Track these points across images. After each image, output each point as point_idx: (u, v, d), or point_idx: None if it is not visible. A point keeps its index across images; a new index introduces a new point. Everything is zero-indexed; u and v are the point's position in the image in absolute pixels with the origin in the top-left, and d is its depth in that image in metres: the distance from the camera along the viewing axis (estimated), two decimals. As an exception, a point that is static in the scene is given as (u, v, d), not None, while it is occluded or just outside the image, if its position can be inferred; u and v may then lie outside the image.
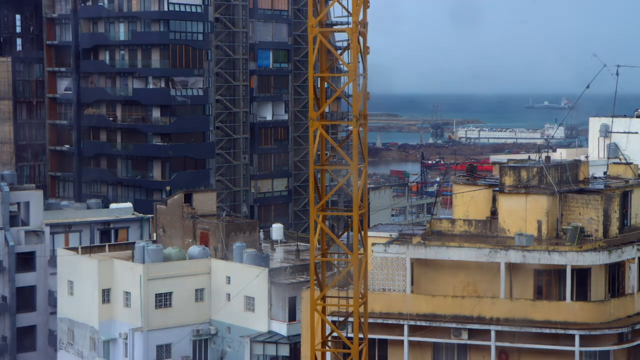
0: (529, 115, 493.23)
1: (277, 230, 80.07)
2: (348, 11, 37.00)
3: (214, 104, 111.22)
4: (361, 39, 37.33)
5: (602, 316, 49.03)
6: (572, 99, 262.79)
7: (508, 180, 52.68)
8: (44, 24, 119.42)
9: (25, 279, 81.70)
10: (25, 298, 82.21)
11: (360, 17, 37.09)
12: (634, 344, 49.77)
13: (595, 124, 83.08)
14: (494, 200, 54.35)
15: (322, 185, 38.60)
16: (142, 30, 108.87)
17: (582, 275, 50.00)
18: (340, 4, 37.36)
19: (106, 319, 71.68)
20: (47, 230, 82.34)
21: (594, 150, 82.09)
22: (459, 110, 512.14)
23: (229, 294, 69.93)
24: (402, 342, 51.06)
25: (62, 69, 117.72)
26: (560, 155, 72.57)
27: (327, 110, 39.07)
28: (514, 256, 49.66)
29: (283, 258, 73.20)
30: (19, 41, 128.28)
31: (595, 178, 57.50)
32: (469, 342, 50.34)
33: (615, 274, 51.13)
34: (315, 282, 38.90)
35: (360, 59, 37.31)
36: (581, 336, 48.54)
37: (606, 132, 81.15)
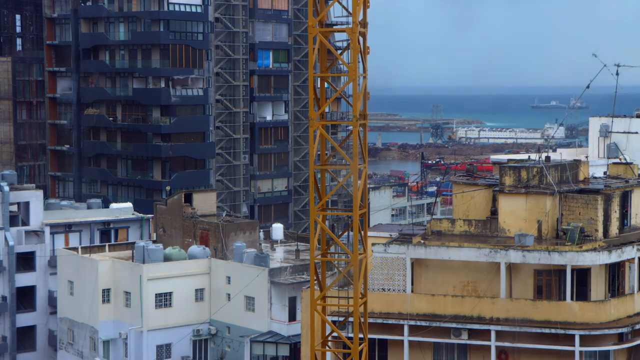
0: (535, 116, 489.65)
1: (277, 230, 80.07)
2: (348, 11, 37.02)
3: (214, 104, 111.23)
4: (361, 39, 37.33)
5: (602, 316, 49.03)
6: (580, 98, 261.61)
7: (508, 180, 52.68)
8: (44, 24, 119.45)
9: (25, 279, 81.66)
10: (25, 298, 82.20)
11: (360, 17, 37.10)
12: (634, 344, 49.77)
13: (595, 124, 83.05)
14: (494, 200, 54.35)
15: (322, 185, 38.61)
16: (142, 30, 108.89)
17: (582, 275, 50.00)
18: (340, 4, 37.38)
19: (106, 319, 71.68)
20: (47, 230, 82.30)
21: (594, 150, 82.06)
22: (460, 110, 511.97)
23: (229, 294, 69.93)
24: (402, 342, 51.06)
25: (62, 69, 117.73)
26: (560, 155, 72.54)
27: (327, 110, 39.09)
28: (514, 256, 49.66)
29: (283, 258, 73.21)
30: (19, 41, 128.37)
31: (595, 178, 57.50)
32: (469, 342, 50.34)
33: (615, 274, 51.11)
34: (315, 282, 38.91)
35: (360, 59, 37.32)
36: (581, 336, 48.53)
37: (606, 132, 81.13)
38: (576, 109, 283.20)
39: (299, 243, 77.51)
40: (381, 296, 51.14)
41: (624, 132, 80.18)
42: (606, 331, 48.67)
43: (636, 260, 51.06)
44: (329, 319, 39.35)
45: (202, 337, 71.15)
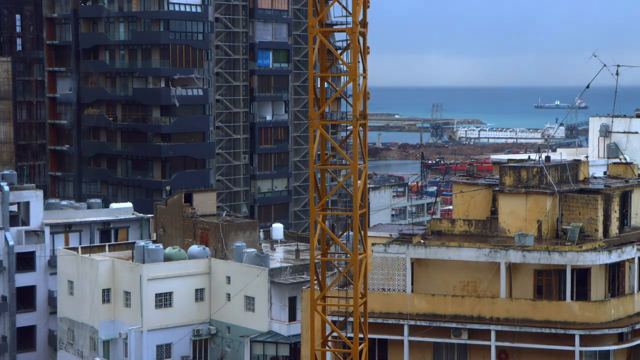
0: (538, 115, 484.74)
1: (277, 230, 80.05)
2: (348, 11, 37.02)
3: (214, 104, 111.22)
4: (361, 38, 37.34)
5: (602, 316, 49.04)
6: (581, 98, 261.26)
7: (508, 180, 52.68)
8: (44, 24, 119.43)
9: (25, 279, 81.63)
10: (25, 298, 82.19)
11: (360, 17, 37.11)
12: (634, 343, 49.77)
13: (595, 124, 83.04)
14: (494, 200, 54.35)
15: (322, 185, 38.61)
16: (142, 30, 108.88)
17: (582, 275, 50.00)
18: (340, 4, 37.39)
19: (106, 319, 71.67)
20: (47, 230, 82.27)
21: (594, 150, 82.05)
22: (461, 109, 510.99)
23: (229, 294, 69.93)
24: (402, 342, 51.07)
25: (62, 69, 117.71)
26: (560, 155, 72.56)
27: (327, 110, 39.09)
28: (514, 256, 49.66)
29: (283, 258, 73.22)
30: (19, 41, 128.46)
31: (595, 178, 57.50)
32: (469, 342, 50.34)
33: (615, 274, 51.12)
34: (315, 282, 38.91)
35: (360, 59, 37.33)
36: (581, 336, 48.53)
37: (606, 132, 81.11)
38: (576, 108, 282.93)
39: (299, 243, 77.50)
40: (381, 296, 51.13)
41: (624, 132, 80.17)
42: (606, 331, 48.67)
43: (636, 260, 51.06)
44: (329, 319, 39.36)
45: (202, 337, 71.15)
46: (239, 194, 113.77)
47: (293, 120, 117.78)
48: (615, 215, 52.66)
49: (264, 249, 74.34)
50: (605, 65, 66.80)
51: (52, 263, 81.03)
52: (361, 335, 38.01)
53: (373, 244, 51.08)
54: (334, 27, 38.44)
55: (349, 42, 37.09)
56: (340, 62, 38.13)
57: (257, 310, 68.18)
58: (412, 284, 51.68)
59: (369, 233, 43.34)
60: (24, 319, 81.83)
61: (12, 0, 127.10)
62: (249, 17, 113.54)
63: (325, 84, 38.54)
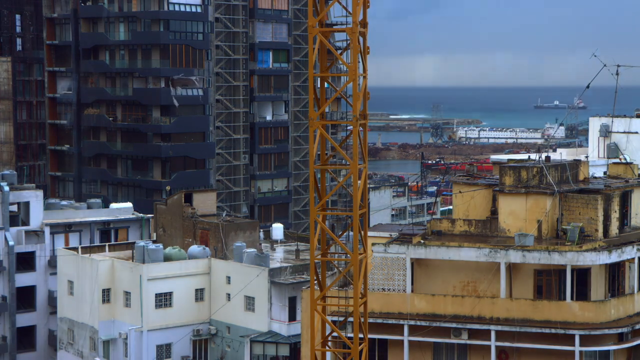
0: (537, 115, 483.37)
1: (277, 230, 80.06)
2: (348, 11, 37.01)
3: (214, 104, 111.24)
4: (361, 38, 37.33)
5: (602, 316, 49.04)
6: (580, 98, 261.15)
7: (508, 180, 52.67)
8: (44, 24, 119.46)
9: (25, 279, 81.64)
10: (25, 298, 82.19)
11: (360, 17, 37.10)
12: (634, 343, 49.77)
13: (595, 124, 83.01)
14: (494, 200, 54.35)
15: (322, 185, 38.60)
16: (142, 30, 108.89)
17: (582, 275, 50.00)
18: (340, 4, 37.38)
19: (106, 319, 71.68)
20: (47, 230, 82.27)
21: (594, 150, 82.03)
22: (461, 109, 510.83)
23: (229, 294, 69.94)
24: (402, 342, 51.06)
25: (62, 69, 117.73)
26: (560, 155, 72.51)
27: (327, 110, 39.09)
28: (514, 256, 49.65)
29: (283, 258, 73.22)
30: (19, 41, 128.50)
31: (595, 178, 57.49)
32: (469, 342, 50.34)
33: (615, 274, 51.12)
34: (315, 282, 38.90)
35: (360, 59, 37.32)
36: (581, 336, 48.52)
37: (606, 132, 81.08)
38: (576, 109, 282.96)
39: (299, 243, 77.50)
40: (381, 296, 51.13)
41: (624, 132, 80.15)
42: (606, 331, 48.66)
43: (636, 260, 51.05)
44: (329, 319, 39.35)
45: (202, 337, 71.15)
46: (239, 194, 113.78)
47: (293, 120, 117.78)
48: (615, 215, 52.66)
49: (264, 249, 74.34)
50: (605, 65, 66.85)
51: (52, 263, 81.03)
52: (361, 335, 38.00)
53: (373, 244, 51.07)
54: (334, 27, 38.43)
55: (349, 42, 37.08)
56: (340, 62, 38.13)
57: (257, 310, 68.18)
58: (412, 284, 51.68)
59: (369, 233, 43.33)
60: (24, 319, 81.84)
61: (12, 0, 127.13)
62: (249, 17, 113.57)
63: (325, 84, 38.53)
